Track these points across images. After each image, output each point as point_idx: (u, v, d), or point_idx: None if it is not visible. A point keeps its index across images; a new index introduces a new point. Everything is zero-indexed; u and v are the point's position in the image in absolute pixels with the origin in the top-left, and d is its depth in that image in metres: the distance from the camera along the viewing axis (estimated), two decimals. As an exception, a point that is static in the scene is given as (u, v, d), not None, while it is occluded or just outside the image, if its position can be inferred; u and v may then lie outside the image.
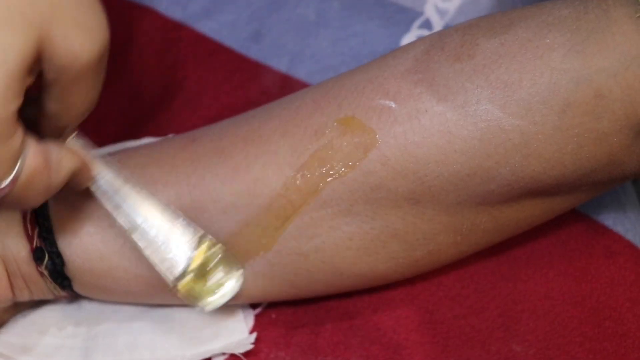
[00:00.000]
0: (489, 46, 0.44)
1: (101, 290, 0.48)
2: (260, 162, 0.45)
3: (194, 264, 0.45)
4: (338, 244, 0.46)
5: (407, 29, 0.60)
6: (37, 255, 0.46)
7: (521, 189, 0.44)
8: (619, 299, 0.50)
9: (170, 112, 0.58)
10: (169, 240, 0.45)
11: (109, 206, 0.44)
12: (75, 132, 0.44)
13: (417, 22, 0.60)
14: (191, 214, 0.46)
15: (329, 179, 0.44)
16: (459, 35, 0.45)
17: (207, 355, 0.49)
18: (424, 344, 0.49)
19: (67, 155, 0.42)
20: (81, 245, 0.46)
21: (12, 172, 0.38)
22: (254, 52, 0.60)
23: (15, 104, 0.37)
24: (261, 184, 0.45)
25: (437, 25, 0.60)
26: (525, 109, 0.42)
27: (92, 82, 0.41)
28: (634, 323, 0.49)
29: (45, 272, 0.47)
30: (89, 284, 0.48)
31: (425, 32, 0.60)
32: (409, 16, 0.60)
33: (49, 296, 0.49)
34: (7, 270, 0.47)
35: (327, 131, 0.45)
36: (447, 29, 0.46)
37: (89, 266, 0.47)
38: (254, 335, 0.49)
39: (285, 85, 0.59)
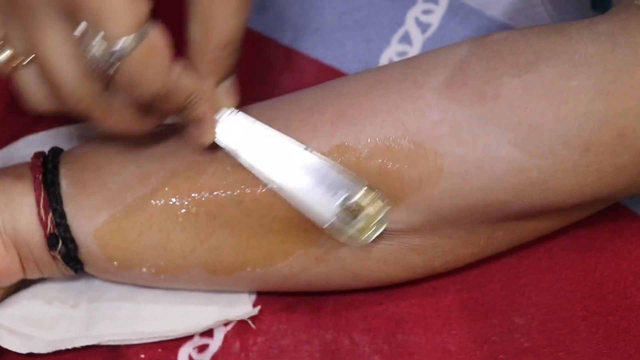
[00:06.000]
0: (513, 87, 0.43)
1: (113, 274, 0.48)
2: None
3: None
4: (358, 255, 0.46)
5: (412, 2, 0.59)
6: (51, 242, 0.46)
7: (538, 212, 0.45)
8: (623, 273, 0.49)
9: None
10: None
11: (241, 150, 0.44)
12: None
13: (424, -5, 0.59)
14: None
15: None
16: (482, 69, 0.44)
17: (209, 328, 0.49)
18: (426, 318, 0.49)
19: (190, 76, 0.42)
20: (96, 233, 0.46)
21: (133, 33, 0.38)
22: (258, 25, 0.60)
23: None
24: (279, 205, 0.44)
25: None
26: (547, 150, 0.42)
27: (234, 5, 0.41)
28: (638, 297, 0.48)
29: (58, 257, 0.46)
30: (102, 268, 0.47)
31: (431, 6, 0.59)
32: (415, -12, 0.59)
33: (59, 275, 0.49)
34: (19, 255, 0.47)
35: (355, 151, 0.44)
36: (467, 53, 0.45)
37: (103, 253, 0.46)
38: (258, 308, 0.49)
39: (290, 59, 0.58)
